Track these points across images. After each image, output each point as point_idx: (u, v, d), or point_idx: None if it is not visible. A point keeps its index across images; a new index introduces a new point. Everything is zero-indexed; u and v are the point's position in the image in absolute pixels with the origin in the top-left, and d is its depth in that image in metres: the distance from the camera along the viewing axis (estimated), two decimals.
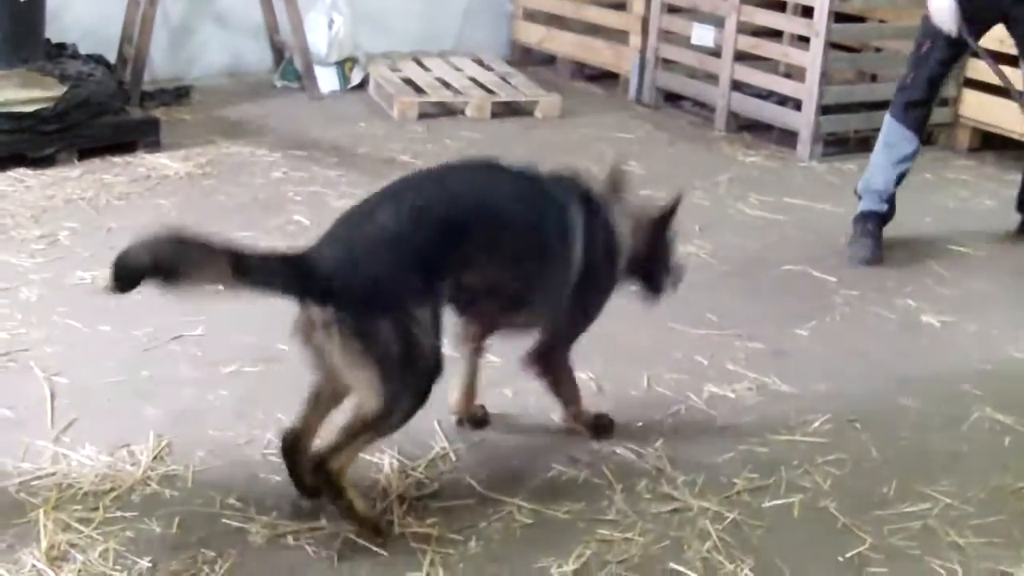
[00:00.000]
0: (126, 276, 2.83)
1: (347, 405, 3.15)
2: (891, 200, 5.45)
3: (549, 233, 3.28)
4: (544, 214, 3.28)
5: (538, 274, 3.30)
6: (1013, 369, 4.38)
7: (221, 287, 2.93)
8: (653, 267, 3.63)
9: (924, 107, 5.39)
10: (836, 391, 4.10)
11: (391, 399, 2.99)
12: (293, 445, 3.22)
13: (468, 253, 3.12)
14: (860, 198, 5.50)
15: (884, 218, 5.46)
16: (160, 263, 2.81)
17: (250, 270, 2.89)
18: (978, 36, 5.25)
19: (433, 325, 3.05)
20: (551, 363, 3.57)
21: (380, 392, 2.97)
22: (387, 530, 3.15)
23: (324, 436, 3.19)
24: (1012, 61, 5.42)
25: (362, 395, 3.01)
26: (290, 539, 3.13)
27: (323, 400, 3.21)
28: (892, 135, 5.42)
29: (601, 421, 3.72)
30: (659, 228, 3.57)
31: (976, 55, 5.46)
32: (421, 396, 3.07)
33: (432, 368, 3.06)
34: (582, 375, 4.03)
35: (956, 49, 5.25)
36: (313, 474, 3.10)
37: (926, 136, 6.97)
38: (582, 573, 3.06)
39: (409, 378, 3.01)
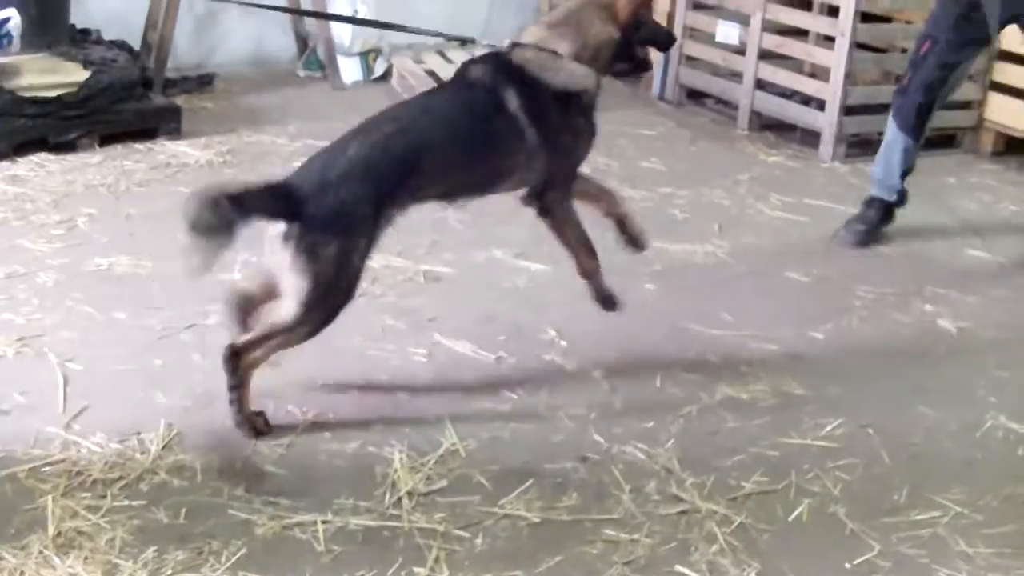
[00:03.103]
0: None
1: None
2: (900, 192, 5.52)
3: (492, 125, 3.66)
4: (483, 112, 3.66)
5: (495, 160, 3.72)
6: None
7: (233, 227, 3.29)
8: (630, 52, 3.93)
9: (922, 110, 5.33)
10: (850, 395, 4.07)
11: (308, 311, 3.41)
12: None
13: (427, 172, 3.55)
14: (872, 183, 5.63)
15: (891, 207, 5.54)
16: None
17: (247, 205, 3.30)
18: (985, 39, 5.29)
19: (364, 252, 3.48)
20: (548, 202, 3.86)
21: (302, 302, 3.39)
22: (263, 430, 3.53)
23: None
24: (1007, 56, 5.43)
25: (287, 303, 3.42)
26: (296, 532, 3.13)
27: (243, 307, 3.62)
28: (892, 138, 5.45)
29: (606, 293, 4.06)
30: (632, 13, 3.84)
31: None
32: (331, 315, 3.49)
33: (348, 292, 3.49)
34: (594, 373, 4.04)
35: (956, 55, 5.18)
36: (226, 361, 3.46)
37: (950, 139, 7.05)
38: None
39: (328, 297, 3.44)
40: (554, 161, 3.77)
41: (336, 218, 3.38)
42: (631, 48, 3.90)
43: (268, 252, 3.48)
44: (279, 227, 3.39)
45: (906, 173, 5.49)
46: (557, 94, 3.71)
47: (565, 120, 3.75)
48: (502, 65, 3.72)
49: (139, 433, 3.53)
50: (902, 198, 5.56)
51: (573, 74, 3.74)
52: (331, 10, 7.66)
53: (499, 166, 3.73)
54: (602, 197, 4.04)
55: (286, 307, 3.42)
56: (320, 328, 3.49)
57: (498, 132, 3.66)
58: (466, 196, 3.85)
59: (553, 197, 3.85)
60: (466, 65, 3.80)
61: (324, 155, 3.56)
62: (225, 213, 3.23)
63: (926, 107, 5.31)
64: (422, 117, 3.69)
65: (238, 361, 3.45)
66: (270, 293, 3.55)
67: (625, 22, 3.82)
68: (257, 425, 3.52)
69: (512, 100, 3.64)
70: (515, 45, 3.79)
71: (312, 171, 3.49)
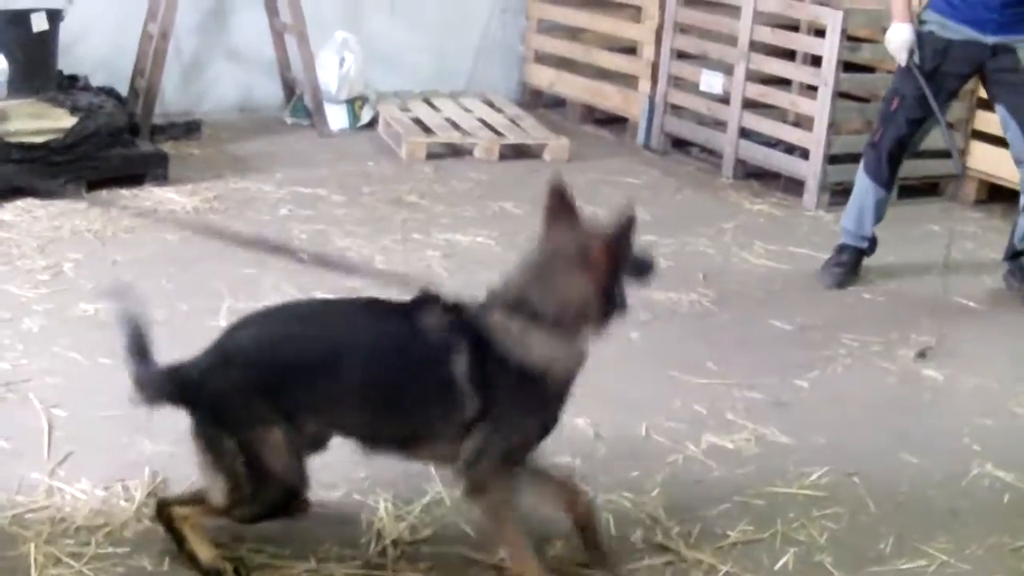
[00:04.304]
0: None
1: None
2: (870, 239, 5.72)
3: (421, 382, 3.04)
4: (416, 364, 3.05)
5: (416, 418, 3.08)
6: (1014, 425, 4.37)
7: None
8: (613, 294, 3.09)
9: (893, 163, 5.56)
10: (836, 444, 4.08)
11: (232, 506, 3.08)
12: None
13: (324, 395, 3.05)
14: (843, 232, 5.77)
15: (862, 252, 5.73)
16: None
17: (145, 387, 3.07)
18: (957, 90, 5.59)
19: (288, 447, 3.02)
20: (480, 486, 3.09)
21: (224, 498, 3.06)
22: None
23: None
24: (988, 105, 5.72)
25: (211, 493, 3.10)
26: None
27: None
28: (864, 190, 5.65)
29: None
30: (611, 257, 3.04)
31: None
32: (269, 509, 3.11)
33: (285, 487, 3.07)
34: (579, 421, 4.04)
35: (923, 110, 5.36)
36: (157, 514, 3.21)
37: (933, 187, 7.12)
38: None
39: (255, 494, 3.05)
40: (494, 437, 3.04)
41: (223, 406, 3.02)
42: (613, 294, 3.08)
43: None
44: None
45: (876, 222, 5.71)
46: (523, 371, 3.02)
47: (522, 398, 3.05)
48: (465, 326, 3.05)
49: (124, 480, 3.52)
50: (872, 246, 5.76)
51: (545, 351, 3.02)
52: (318, 60, 7.71)
53: (418, 430, 3.10)
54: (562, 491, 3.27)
55: (214, 497, 3.09)
56: (258, 519, 3.14)
57: (428, 396, 3.05)
58: (379, 448, 3.19)
59: (488, 472, 3.07)
60: (425, 304, 3.12)
61: (224, 334, 3.17)
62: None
63: (897, 159, 5.57)
64: (344, 333, 3.12)
65: (168, 516, 3.16)
66: None
67: (603, 273, 3.03)
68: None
69: (460, 365, 3.00)
70: (488, 304, 3.09)
71: (207, 353, 3.10)
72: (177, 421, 3.78)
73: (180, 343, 4.25)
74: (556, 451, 3.79)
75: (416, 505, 3.48)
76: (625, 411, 4.18)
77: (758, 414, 4.24)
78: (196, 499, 3.17)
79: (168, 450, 3.68)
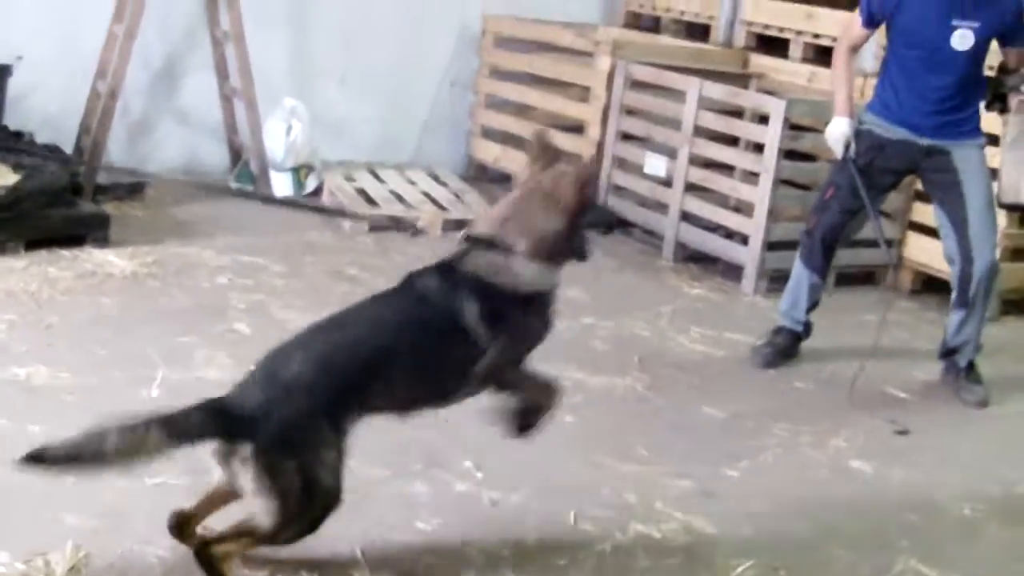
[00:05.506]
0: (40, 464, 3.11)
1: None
2: (805, 323, 5.89)
3: (448, 340, 3.48)
4: (433, 324, 3.47)
5: (451, 370, 3.53)
6: (940, 518, 4.41)
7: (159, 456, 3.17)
8: (576, 240, 3.62)
9: (827, 251, 5.76)
10: (763, 536, 4.10)
11: (283, 526, 3.24)
12: (179, 527, 3.46)
13: (374, 385, 3.37)
14: (780, 314, 5.96)
15: (798, 336, 5.90)
16: (82, 456, 3.10)
17: (182, 431, 3.15)
18: (891, 187, 5.77)
19: (336, 464, 3.29)
20: (500, 382, 3.61)
21: (275, 519, 3.22)
22: None
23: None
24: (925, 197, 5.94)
25: (260, 516, 3.24)
26: None
27: (219, 497, 3.43)
28: (800, 276, 5.84)
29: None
30: (579, 201, 3.55)
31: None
32: (313, 526, 3.32)
33: (328, 504, 3.31)
34: (508, 504, 4.03)
35: (857, 201, 5.54)
36: (196, 556, 3.31)
37: (870, 276, 7.23)
38: None
39: (305, 511, 3.26)
40: (503, 356, 3.53)
41: (290, 433, 3.21)
42: (576, 235, 3.60)
43: (230, 473, 3.24)
44: (238, 448, 3.20)
45: (812, 307, 5.87)
46: (515, 297, 3.51)
47: (523, 321, 3.56)
48: (456, 276, 3.50)
49: (46, 553, 3.45)
50: (808, 330, 5.92)
51: (529, 274, 3.51)
52: (265, 127, 7.74)
53: (458, 381, 3.54)
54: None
55: (264, 522, 3.24)
56: (304, 536, 3.33)
57: (456, 349, 3.47)
58: (422, 409, 3.62)
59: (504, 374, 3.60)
60: (416, 275, 3.57)
61: (266, 367, 3.36)
62: (154, 444, 3.09)
63: (830, 248, 5.77)
64: (372, 331, 3.47)
65: (209, 555, 3.29)
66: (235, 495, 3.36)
67: (571, 209, 3.54)
68: None
69: (471, 312, 3.44)
70: (468, 245, 3.57)
71: (255, 386, 3.30)
72: (103, 494, 3.78)
73: (111, 412, 4.23)
74: (484, 537, 3.82)
75: None
76: (555, 497, 4.17)
77: (687, 503, 4.25)
78: (239, 532, 3.30)
79: (92, 524, 3.64)
